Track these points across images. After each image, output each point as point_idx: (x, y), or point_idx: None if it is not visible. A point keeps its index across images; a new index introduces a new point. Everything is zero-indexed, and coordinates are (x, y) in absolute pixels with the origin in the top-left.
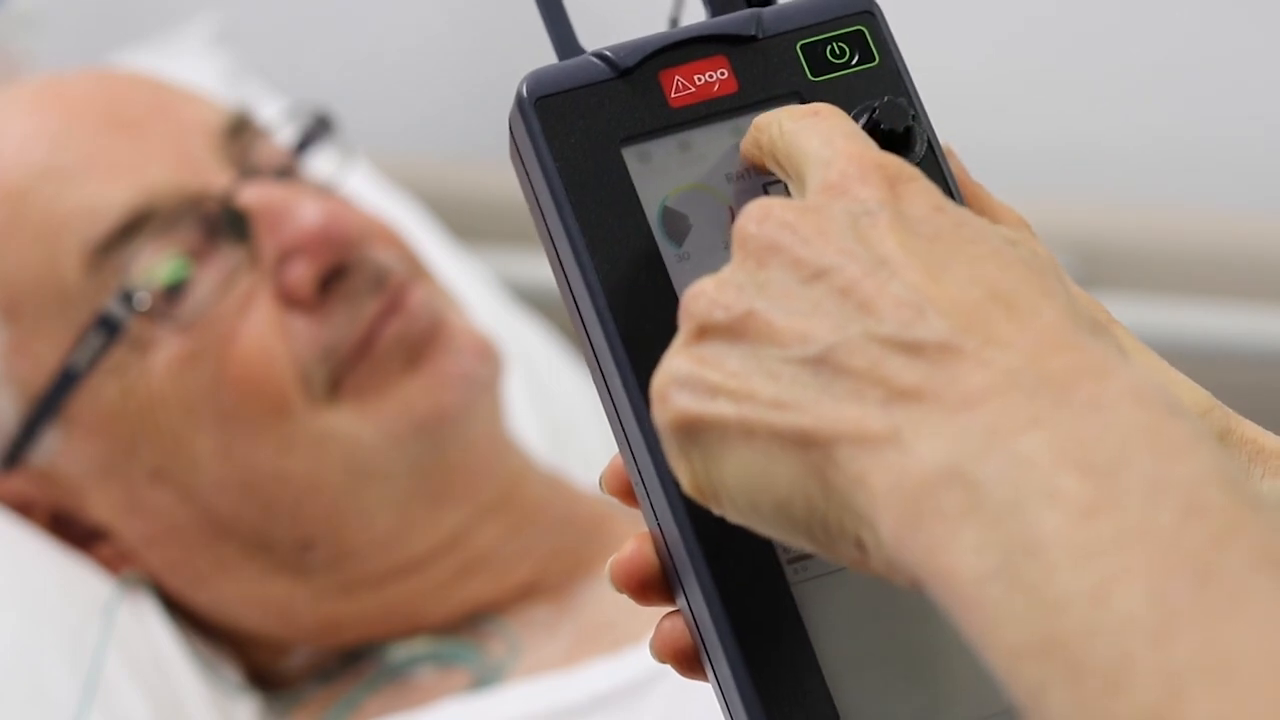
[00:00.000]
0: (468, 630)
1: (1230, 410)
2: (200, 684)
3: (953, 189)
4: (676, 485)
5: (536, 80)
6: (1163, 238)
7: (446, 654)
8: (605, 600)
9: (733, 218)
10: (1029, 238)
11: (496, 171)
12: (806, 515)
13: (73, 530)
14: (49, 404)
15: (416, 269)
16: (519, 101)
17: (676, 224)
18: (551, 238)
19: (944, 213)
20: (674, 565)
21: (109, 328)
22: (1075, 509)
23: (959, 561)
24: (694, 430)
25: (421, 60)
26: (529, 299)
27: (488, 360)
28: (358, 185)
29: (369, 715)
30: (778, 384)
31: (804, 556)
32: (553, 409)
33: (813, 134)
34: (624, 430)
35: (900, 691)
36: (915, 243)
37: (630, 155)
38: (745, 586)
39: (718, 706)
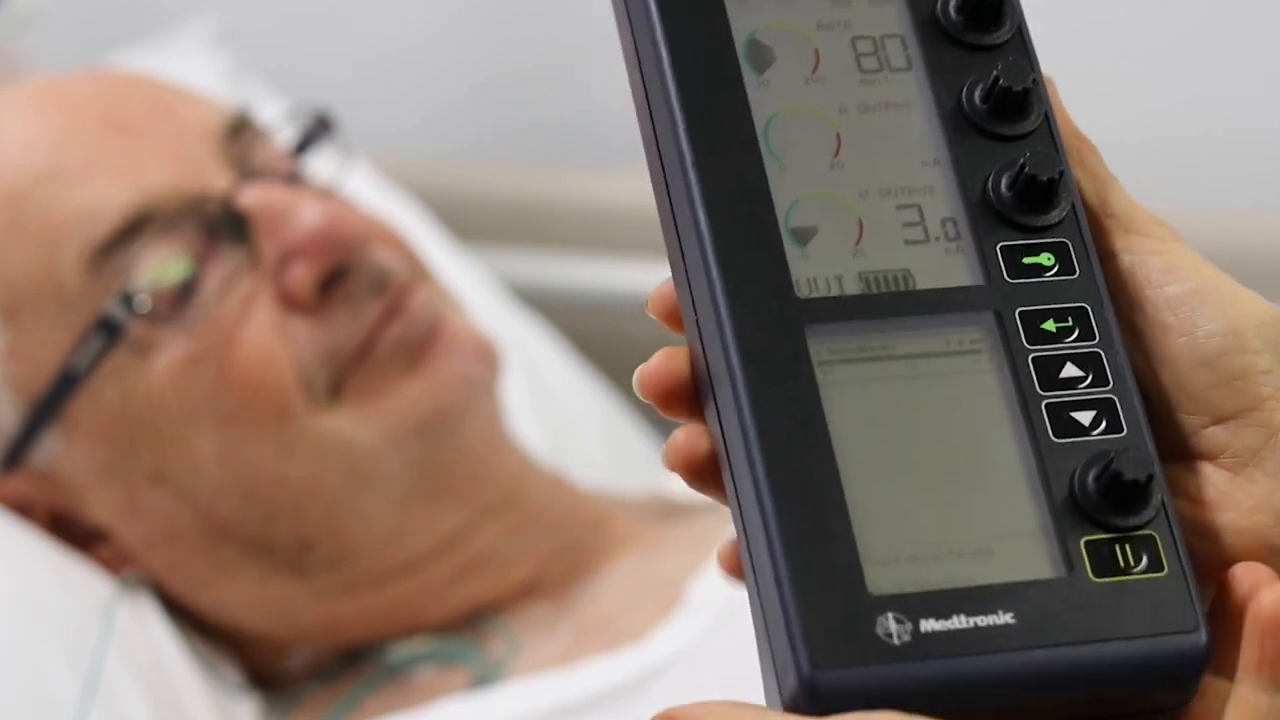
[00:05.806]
0: (468, 629)
1: None
2: (200, 684)
3: (1059, 147)
4: (724, 290)
5: None
6: None
7: (446, 653)
8: (605, 598)
9: (818, 59)
10: None
11: (496, 171)
12: None
13: (73, 531)
14: (49, 406)
15: (418, 270)
16: None
17: (761, 54)
18: (639, 59)
19: None
20: (709, 371)
21: (109, 330)
22: None
23: None
24: None
25: (421, 59)
26: (529, 299)
27: (487, 360)
28: (358, 185)
29: (369, 714)
30: None
31: (837, 360)
32: (553, 409)
33: None
34: (678, 235)
35: (915, 504)
36: None
37: None
38: (777, 386)
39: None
